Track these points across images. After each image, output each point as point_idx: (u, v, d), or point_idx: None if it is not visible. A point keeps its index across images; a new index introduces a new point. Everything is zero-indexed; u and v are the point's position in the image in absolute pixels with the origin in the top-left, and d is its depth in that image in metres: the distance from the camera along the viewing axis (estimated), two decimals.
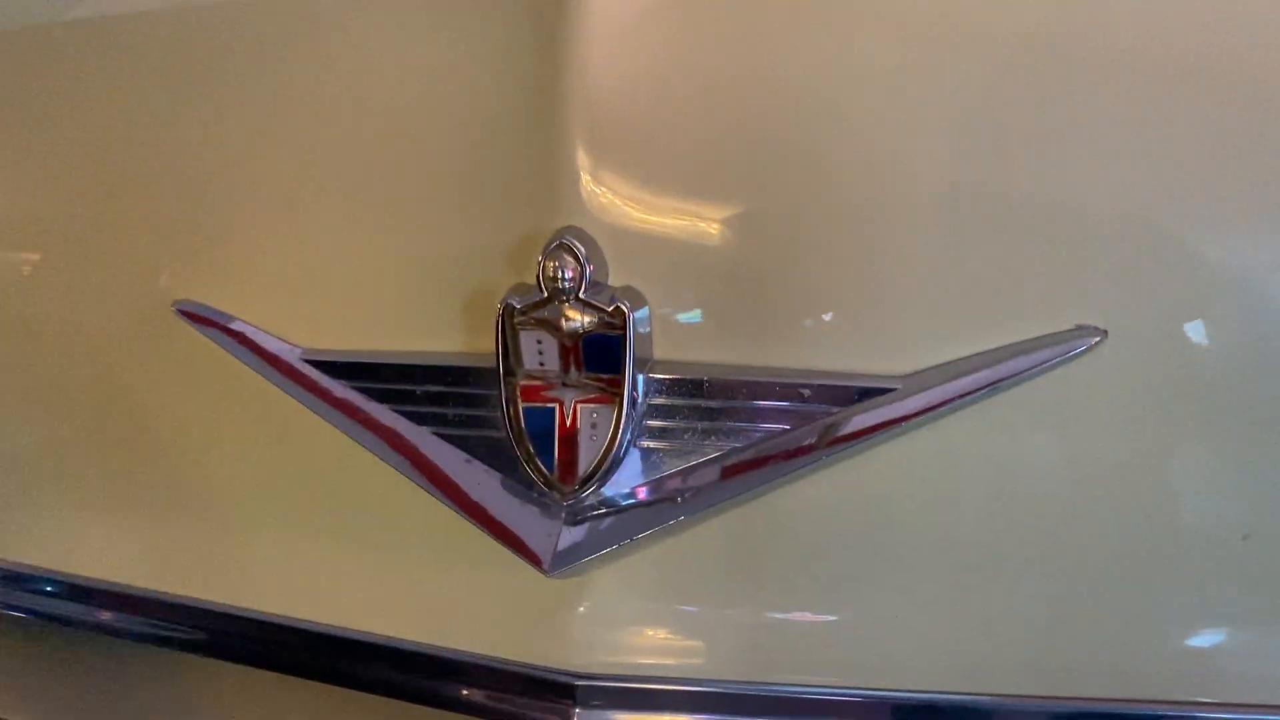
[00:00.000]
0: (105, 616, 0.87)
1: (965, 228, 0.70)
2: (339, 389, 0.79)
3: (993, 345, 0.70)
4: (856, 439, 0.72)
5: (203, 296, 0.82)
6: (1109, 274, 0.69)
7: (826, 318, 0.72)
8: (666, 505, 0.74)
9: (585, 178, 0.72)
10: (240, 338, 0.81)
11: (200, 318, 0.82)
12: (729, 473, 0.73)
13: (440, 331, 0.76)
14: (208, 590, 0.83)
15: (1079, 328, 0.69)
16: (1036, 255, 0.70)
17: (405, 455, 0.77)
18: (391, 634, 0.78)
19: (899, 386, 0.71)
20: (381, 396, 0.77)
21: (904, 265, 0.71)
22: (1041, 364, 0.70)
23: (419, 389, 0.76)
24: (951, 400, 0.71)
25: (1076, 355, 0.69)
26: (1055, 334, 0.69)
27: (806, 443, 0.73)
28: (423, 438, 0.77)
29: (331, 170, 0.78)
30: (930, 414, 0.71)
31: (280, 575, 0.83)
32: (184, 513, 0.86)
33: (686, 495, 0.73)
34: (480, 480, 0.76)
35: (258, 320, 0.81)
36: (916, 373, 0.71)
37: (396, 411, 0.77)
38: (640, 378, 0.72)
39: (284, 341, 0.80)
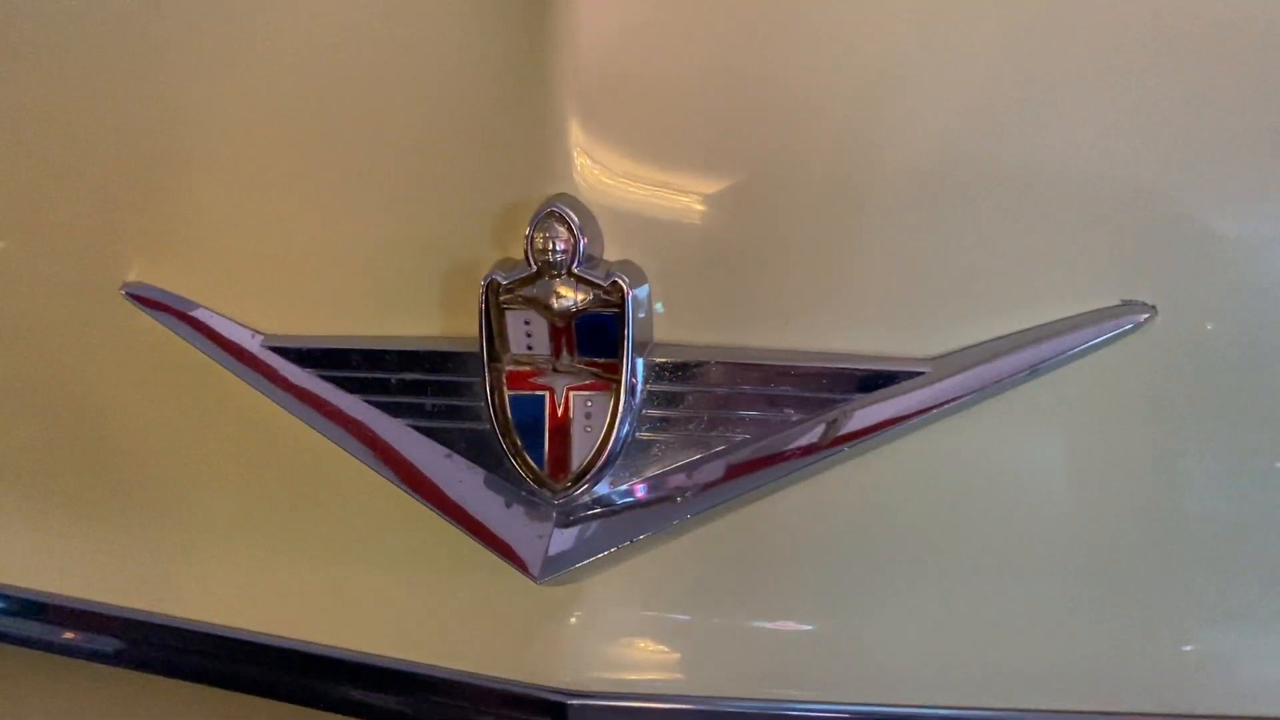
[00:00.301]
0: (48, 632, 0.82)
1: (997, 194, 0.65)
2: (306, 378, 0.74)
3: (1028, 324, 0.66)
4: (882, 429, 0.67)
5: (154, 279, 0.77)
6: (1157, 244, 0.65)
7: (845, 295, 0.67)
8: (669, 504, 0.70)
9: (576, 142, 0.67)
10: (196, 324, 0.76)
11: (151, 301, 0.76)
12: (738, 468, 0.69)
13: (417, 313, 0.71)
14: (163, 604, 0.79)
15: (1125, 304, 0.65)
16: (1075, 224, 0.65)
17: (378, 451, 0.73)
18: (365, 649, 0.74)
19: (928, 370, 0.67)
20: (352, 386, 0.72)
21: (930, 236, 0.66)
22: (1084, 344, 0.65)
23: (394, 377, 0.72)
24: (986, 385, 0.66)
25: (1122, 334, 0.65)
26: (1098, 311, 0.65)
27: (825, 434, 0.68)
28: (398, 431, 0.72)
29: (295, 138, 0.73)
30: (963, 401, 0.66)
31: (243, 586, 0.79)
32: (134, 519, 0.82)
33: (691, 493, 0.69)
34: (462, 477, 0.72)
35: (215, 304, 0.76)
36: (946, 355, 0.67)
37: (369, 403, 0.72)
38: (639, 362, 0.67)
39: (244, 327, 0.75)
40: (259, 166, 0.74)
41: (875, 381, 0.67)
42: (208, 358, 0.75)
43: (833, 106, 0.66)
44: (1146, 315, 0.65)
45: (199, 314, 0.76)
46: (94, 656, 0.80)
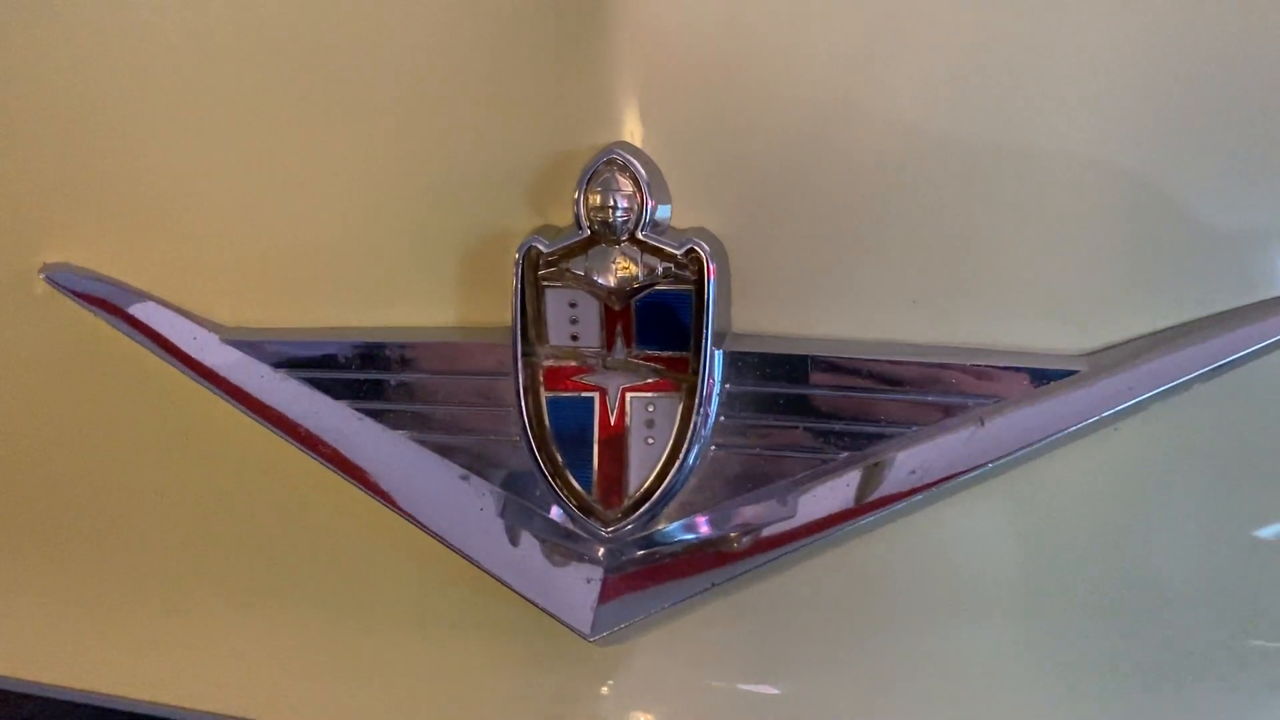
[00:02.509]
0: None
1: (1157, 160, 0.59)
2: (279, 383, 0.64)
3: (1200, 314, 0.59)
4: (1032, 442, 0.58)
5: (83, 259, 0.66)
6: None
7: (984, 274, 0.59)
8: (755, 543, 0.61)
9: (638, 79, 0.58)
10: (137, 316, 0.65)
11: (82, 292, 0.66)
12: (847, 493, 0.60)
13: (426, 296, 0.63)
14: (94, 679, 0.70)
15: None
16: (1247, 201, 0.59)
17: (374, 472, 0.63)
18: None
19: (1083, 369, 0.58)
20: (340, 391, 0.63)
21: (1089, 208, 0.58)
22: (1263, 341, 0.58)
23: (393, 379, 0.62)
24: (1155, 387, 0.58)
25: None
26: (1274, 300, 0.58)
27: (960, 447, 0.59)
28: (399, 447, 0.63)
29: (261, 67, 0.63)
30: (1126, 406, 0.58)
31: (201, 651, 0.69)
32: (63, 566, 0.71)
33: (785, 528, 0.60)
34: (484, 505, 0.63)
35: (162, 291, 0.66)
36: (1104, 349, 0.59)
37: (361, 411, 0.63)
38: (719, 355, 0.58)
39: (199, 320, 0.65)
40: (216, 112, 0.64)
41: (1020, 382, 0.58)
42: (154, 357, 0.65)
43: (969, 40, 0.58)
44: None
45: (141, 305, 0.65)
46: None
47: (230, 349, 0.64)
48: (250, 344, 0.64)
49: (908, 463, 0.59)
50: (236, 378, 0.65)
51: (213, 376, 0.65)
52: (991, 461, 0.58)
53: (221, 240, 0.65)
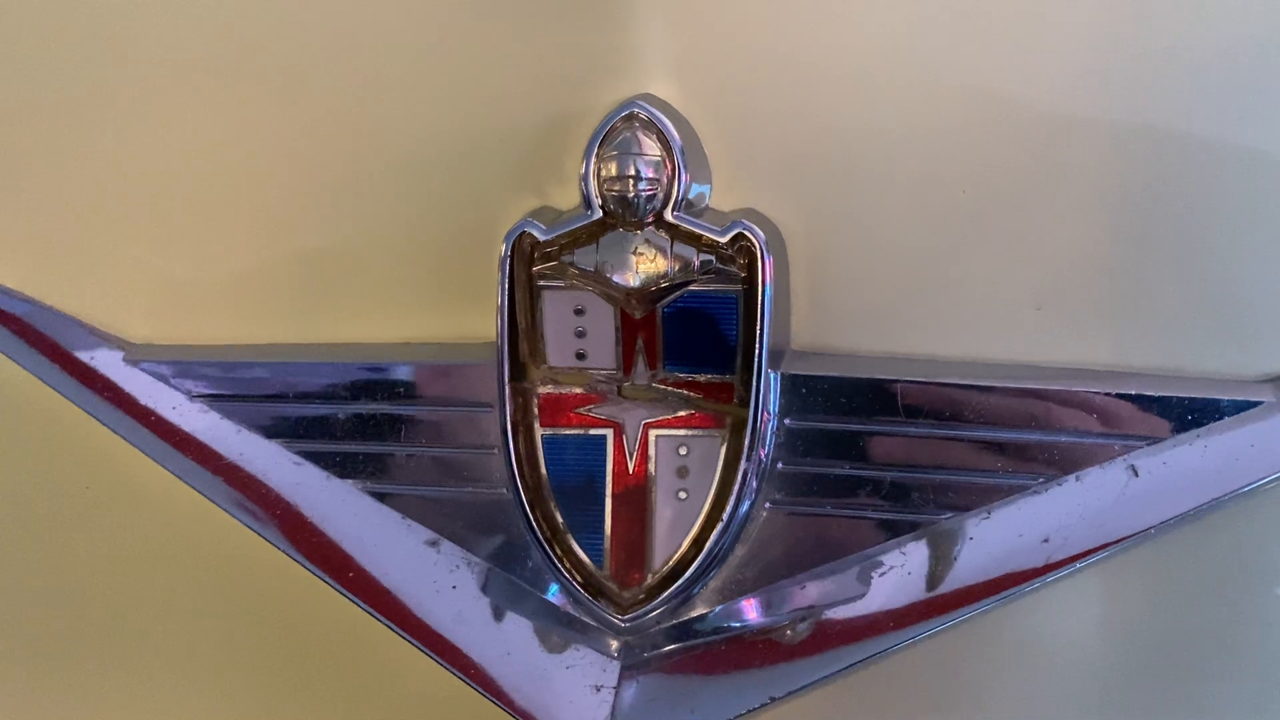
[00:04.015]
0: None
1: None
2: (196, 416, 0.59)
3: None
4: (1208, 500, 0.51)
5: None
6: None
7: (1122, 273, 0.53)
8: (827, 634, 0.54)
9: (668, 13, 0.53)
10: (23, 328, 0.61)
11: None
12: (952, 569, 0.52)
13: (385, 304, 0.58)
14: None
15: None
16: None
17: (313, 534, 0.58)
18: None
19: (1269, 398, 0.51)
20: (273, 426, 0.58)
21: (1264, 188, 0.53)
22: None
23: (341, 412, 0.57)
24: None
25: None
26: None
27: (1108, 507, 0.51)
28: (347, 501, 0.57)
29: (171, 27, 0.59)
30: None
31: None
32: None
33: (867, 616, 0.53)
34: (458, 582, 0.57)
35: (52, 297, 0.61)
36: None
37: (299, 453, 0.58)
38: (774, 379, 0.52)
39: (100, 334, 0.60)
40: (123, 83, 0.60)
41: (1187, 416, 0.51)
42: (41, 382, 0.61)
43: None
44: None
45: (29, 313, 0.61)
46: None
47: (137, 371, 0.59)
48: (162, 366, 0.59)
49: (1035, 528, 0.51)
50: (144, 409, 0.59)
51: (115, 404, 0.60)
52: (1153, 527, 0.51)
53: (130, 236, 0.61)
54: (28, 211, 0.62)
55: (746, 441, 0.52)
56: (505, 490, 0.55)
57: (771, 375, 0.52)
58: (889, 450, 0.53)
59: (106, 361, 0.59)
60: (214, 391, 0.59)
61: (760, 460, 0.53)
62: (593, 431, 0.55)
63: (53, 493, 0.63)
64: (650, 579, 0.54)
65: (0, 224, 0.62)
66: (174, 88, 0.60)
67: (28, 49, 0.62)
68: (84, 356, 0.60)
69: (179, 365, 0.59)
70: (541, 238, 0.52)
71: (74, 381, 0.60)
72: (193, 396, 0.58)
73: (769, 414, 0.53)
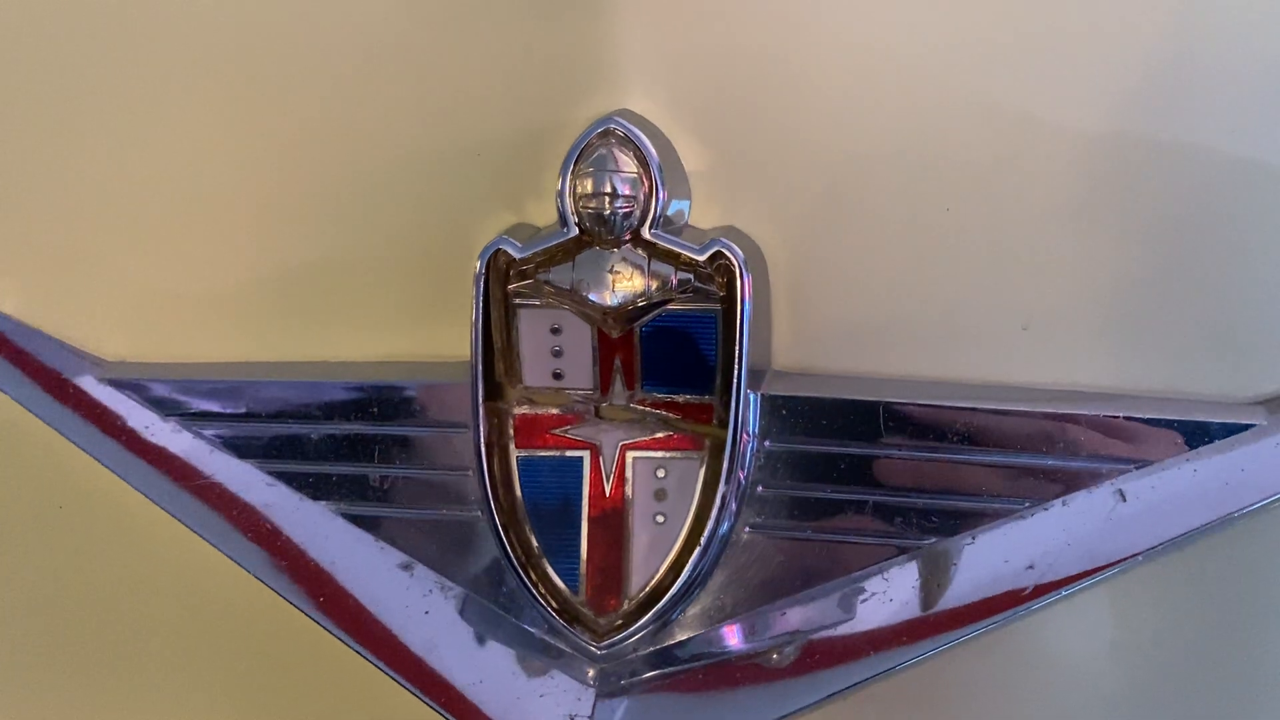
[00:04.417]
0: None
1: None
2: (166, 433, 0.58)
3: None
4: (1197, 525, 0.50)
5: None
6: None
7: (1109, 290, 0.52)
8: (810, 660, 0.53)
9: (646, 25, 0.52)
10: None
11: None
12: (936, 595, 0.51)
13: (356, 321, 0.57)
14: None
15: None
16: None
17: (284, 557, 0.57)
18: None
19: (1261, 420, 0.50)
20: (245, 446, 0.58)
21: (1257, 205, 0.52)
22: None
23: (314, 431, 0.57)
24: None
25: None
26: None
27: (1094, 532, 0.50)
28: (319, 523, 0.57)
29: (158, 37, 0.58)
30: None
31: None
32: None
33: (850, 641, 0.52)
34: (430, 607, 0.56)
35: (27, 313, 0.60)
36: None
37: (271, 474, 0.58)
38: (754, 400, 0.52)
39: (72, 349, 0.60)
40: (93, 80, 0.59)
41: (1177, 440, 0.50)
42: (11, 400, 0.60)
43: None
44: None
45: None
46: None
47: (109, 389, 0.59)
48: (135, 383, 0.59)
49: (1020, 554, 0.50)
50: (116, 426, 0.59)
51: (89, 422, 0.59)
52: (1140, 553, 0.49)
53: (104, 253, 0.60)
54: (0, 226, 0.61)
55: (726, 464, 0.51)
56: (480, 513, 0.54)
57: (751, 396, 0.51)
58: (872, 473, 0.52)
59: (80, 379, 0.59)
60: (187, 411, 0.58)
61: (740, 483, 0.52)
62: (569, 453, 0.54)
63: (25, 511, 0.63)
64: (627, 605, 0.54)
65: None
66: (147, 104, 0.60)
67: (3, 64, 0.62)
68: (57, 373, 0.59)
69: (152, 384, 0.59)
70: (517, 255, 0.51)
71: (47, 398, 0.60)
72: (166, 415, 0.58)
73: (749, 435, 0.52)
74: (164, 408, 0.58)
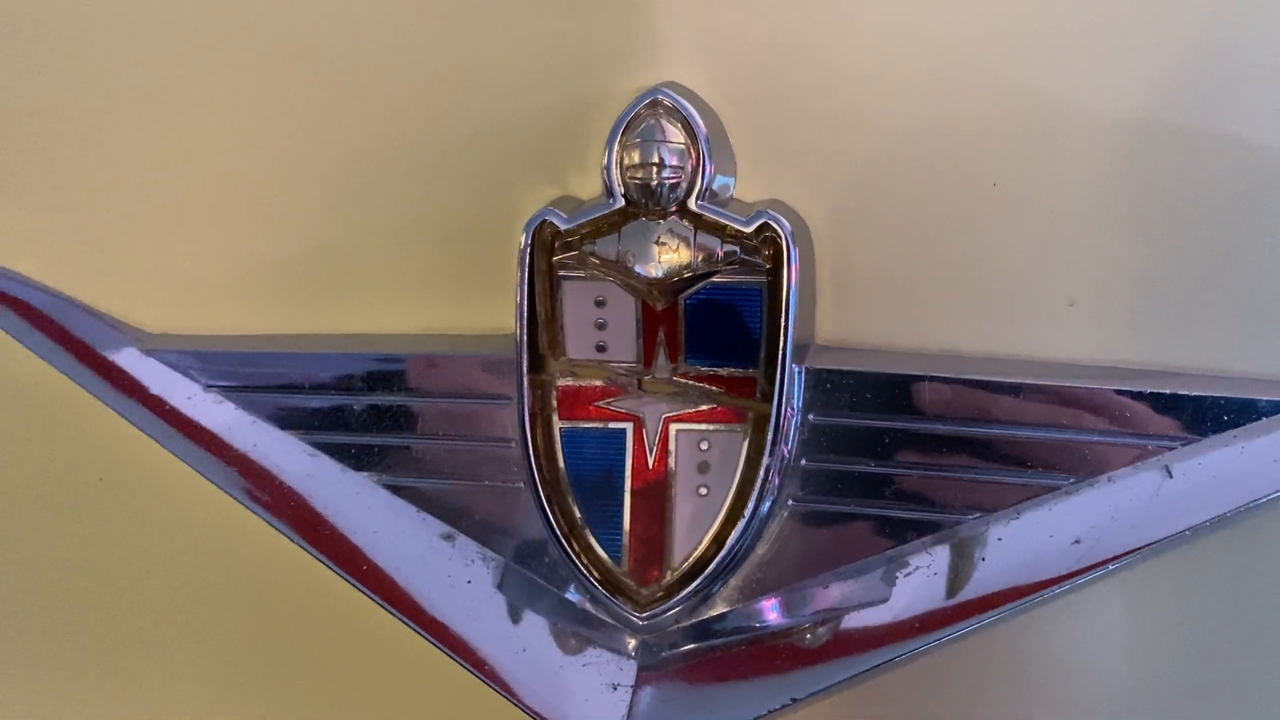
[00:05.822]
0: None
1: None
2: (209, 405, 0.59)
3: None
4: (1244, 502, 0.49)
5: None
6: None
7: (1158, 266, 0.51)
8: (852, 636, 0.53)
9: (690, 14, 0.53)
10: (39, 318, 0.61)
11: None
12: (980, 570, 0.51)
13: (402, 294, 0.57)
14: None
15: None
16: None
17: (327, 526, 0.57)
18: None
19: None
20: (288, 417, 0.58)
21: None
22: None
23: (356, 403, 0.56)
24: None
25: None
26: None
27: (1141, 508, 0.49)
28: (362, 494, 0.57)
29: (192, 16, 0.58)
30: None
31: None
32: None
33: (894, 617, 0.52)
34: (473, 577, 0.56)
35: (67, 286, 0.61)
36: None
37: (314, 445, 0.58)
38: (799, 374, 0.51)
39: (114, 323, 0.60)
40: (130, 58, 0.60)
41: (1224, 416, 0.49)
42: (56, 372, 0.60)
43: None
44: None
45: (39, 300, 0.61)
46: None
47: (151, 361, 0.59)
48: (178, 356, 0.59)
49: (1066, 529, 0.50)
50: (157, 399, 0.59)
51: (130, 394, 0.59)
52: (1188, 530, 0.49)
53: (147, 229, 0.60)
54: (45, 205, 0.61)
55: (769, 437, 0.51)
56: (522, 484, 0.54)
57: (795, 370, 0.51)
58: (915, 448, 0.52)
59: (122, 351, 0.59)
60: (229, 382, 0.58)
61: (783, 456, 0.52)
62: (612, 425, 0.54)
63: (67, 483, 0.63)
64: (669, 576, 0.53)
65: (18, 217, 0.61)
66: (186, 82, 0.60)
67: (44, 50, 0.62)
68: (100, 346, 0.60)
69: (194, 355, 0.59)
70: (562, 227, 0.51)
71: (89, 371, 0.60)
72: (208, 387, 0.58)
73: (792, 409, 0.52)
74: (206, 379, 0.58)
